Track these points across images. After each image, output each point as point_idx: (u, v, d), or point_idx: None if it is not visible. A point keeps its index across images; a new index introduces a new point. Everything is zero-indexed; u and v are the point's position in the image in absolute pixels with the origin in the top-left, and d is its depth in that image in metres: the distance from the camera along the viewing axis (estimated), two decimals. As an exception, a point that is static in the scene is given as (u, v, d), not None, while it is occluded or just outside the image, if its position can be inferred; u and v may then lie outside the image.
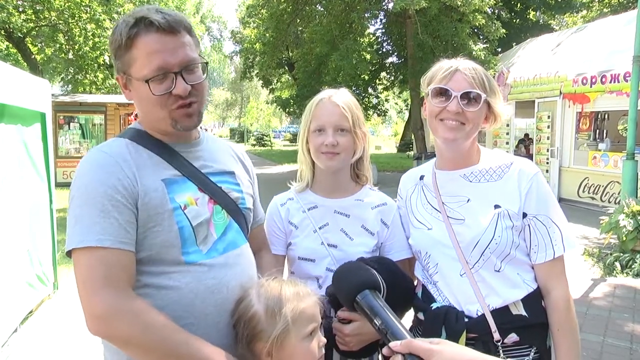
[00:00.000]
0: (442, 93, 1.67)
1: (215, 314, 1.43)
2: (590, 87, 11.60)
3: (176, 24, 1.41)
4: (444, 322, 1.64)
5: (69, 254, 1.35)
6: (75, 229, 1.32)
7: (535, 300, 1.67)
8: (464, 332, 1.62)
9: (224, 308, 1.45)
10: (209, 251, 1.46)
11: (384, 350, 1.08)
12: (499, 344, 1.61)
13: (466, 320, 1.64)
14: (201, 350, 1.32)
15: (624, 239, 6.90)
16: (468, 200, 1.73)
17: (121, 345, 1.33)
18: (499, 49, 19.40)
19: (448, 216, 1.73)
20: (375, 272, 1.38)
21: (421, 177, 1.90)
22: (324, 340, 1.49)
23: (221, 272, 1.46)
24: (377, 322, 1.15)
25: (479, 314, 1.65)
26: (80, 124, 15.93)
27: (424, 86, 1.77)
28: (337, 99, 1.85)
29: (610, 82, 11.06)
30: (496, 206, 1.68)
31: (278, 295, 1.43)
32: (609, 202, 10.87)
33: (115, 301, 1.28)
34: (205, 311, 1.42)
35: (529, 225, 1.68)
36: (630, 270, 6.56)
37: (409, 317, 1.90)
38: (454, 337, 1.61)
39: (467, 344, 1.60)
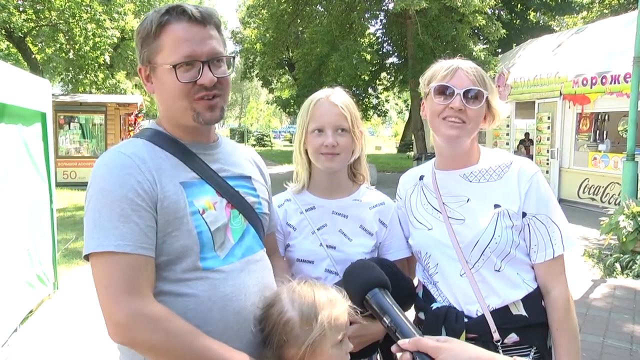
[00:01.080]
0: (445, 91, 1.66)
1: (234, 321, 1.41)
2: (591, 88, 11.60)
3: (208, 16, 1.42)
4: (444, 322, 1.64)
5: (86, 257, 1.32)
6: (94, 232, 1.30)
7: (535, 300, 1.67)
8: (464, 332, 1.62)
9: (243, 315, 1.42)
10: (227, 257, 1.43)
11: (393, 348, 1.10)
12: (499, 344, 1.61)
13: (466, 320, 1.65)
14: (225, 356, 1.30)
15: (624, 240, 6.90)
16: (468, 200, 1.73)
17: (144, 352, 1.31)
18: (499, 50, 19.42)
19: (448, 216, 1.73)
20: (378, 271, 1.37)
21: (421, 177, 1.89)
22: (351, 346, 1.47)
23: (239, 279, 1.43)
24: (386, 320, 1.16)
25: (479, 314, 1.65)
26: (80, 124, 15.93)
27: (424, 86, 1.76)
28: (335, 98, 1.83)
29: (611, 83, 11.06)
30: (496, 205, 1.68)
31: (312, 302, 1.40)
32: (609, 203, 10.87)
33: (137, 307, 1.25)
34: (225, 319, 1.39)
35: (528, 224, 1.68)
36: (631, 271, 6.56)
37: (410, 317, 1.90)
38: (453, 337, 1.61)
39: None
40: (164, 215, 1.34)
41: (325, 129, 1.80)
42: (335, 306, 1.41)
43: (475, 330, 1.63)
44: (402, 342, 1.07)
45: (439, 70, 1.71)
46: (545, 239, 1.67)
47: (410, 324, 1.14)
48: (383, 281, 1.28)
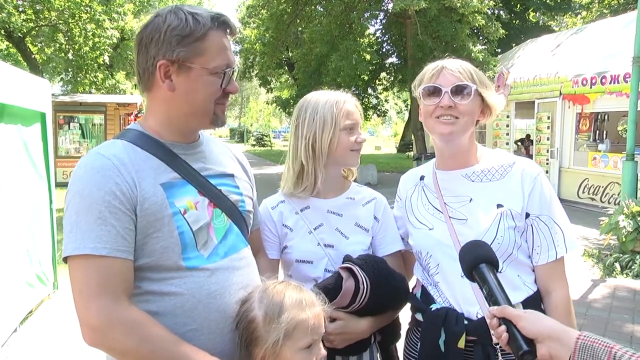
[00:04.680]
0: (433, 91, 1.69)
1: (218, 319, 1.42)
2: (590, 88, 11.60)
3: (237, 30, 1.52)
4: (443, 323, 1.64)
5: (65, 260, 1.33)
6: (71, 235, 1.30)
7: (535, 302, 1.66)
8: (464, 335, 1.61)
9: (227, 313, 1.44)
10: (210, 255, 1.44)
11: (486, 314, 1.29)
12: (498, 346, 1.58)
13: (466, 322, 1.64)
14: None
15: (624, 239, 6.90)
16: (470, 200, 1.72)
17: (118, 356, 1.32)
18: (499, 50, 19.41)
19: (450, 216, 1.73)
20: (490, 250, 1.42)
21: (421, 178, 1.89)
22: (324, 353, 1.46)
23: (223, 277, 1.45)
24: (485, 290, 1.33)
25: (479, 316, 1.63)
26: (80, 124, 15.93)
27: (415, 91, 1.78)
28: (354, 99, 1.92)
29: (610, 83, 11.07)
30: (499, 205, 1.68)
31: (279, 302, 1.39)
32: (609, 203, 10.87)
33: (111, 312, 1.26)
34: (209, 317, 1.40)
35: (531, 225, 1.68)
36: (630, 271, 6.56)
37: (406, 318, 1.90)
38: (453, 339, 1.61)
39: (465, 347, 1.60)
40: (144, 217, 1.34)
41: (356, 127, 1.88)
42: (304, 309, 1.40)
43: (475, 333, 1.62)
44: (491, 308, 1.26)
45: (426, 72, 1.74)
46: (548, 241, 1.67)
47: (504, 297, 1.28)
48: (490, 259, 1.38)
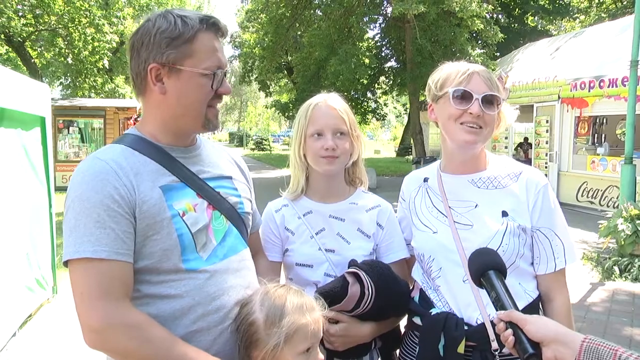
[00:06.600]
0: (463, 96, 1.64)
1: (218, 320, 1.43)
2: (589, 91, 11.63)
3: (227, 32, 1.51)
4: (443, 328, 1.63)
5: (65, 264, 1.34)
6: (71, 239, 1.31)
7: (534, 310, 1.66)
8: (464, 340, 1.61)
9: (227, 314, 1.45)
10: (209, 257, 1.45)
11: (495, 319, 1.33)
12: (497, 353, 1.59)
13: (466, 328, 1.63)
14: None
15: (623, 243, 6.91)
16: (476, 205, 1.71)
17: (119, 358, 1.33)
18: (498, 54, 19.47)
19: (454, 221, 1.72)
20: (498, 258, 1.43)
21: (425, 180, 1.87)
22: (321, 357, 1.48)
23: (222, 278, 1.46)
24: (492, 295, 1.36)
25: (479, 322, 1.63)
26: (79, 128, 15.94)
27: (436, 90, 1.72)
28: (333, 102, 1.85)
29: (608, 86, 11.09)
30: (504, 213, 1.68)
31: (281, 306, 1.41)
32: (608, 206, 10.89)
33: (112, 314, 1.27)
34: (208, 318, 1.41)
35: (532, 236, 1.69)
36: (629, 275, 6.56)
37: (403, 321, 1.90)
38: (452, 344, 1.61)
39: (465, 352, 1.61)
40: (143, 220, 1.35)
41: (325, 132, 1.81)
42: (305, 314, 1.41)
43: (474, 339, 1.62)
44: (499, 313, 1.30)
45: (454, 74, 1.68)
46: (548, 253, 1.68)
47: (511, 302, 1.32)
48: (498, 265, 1.40)
